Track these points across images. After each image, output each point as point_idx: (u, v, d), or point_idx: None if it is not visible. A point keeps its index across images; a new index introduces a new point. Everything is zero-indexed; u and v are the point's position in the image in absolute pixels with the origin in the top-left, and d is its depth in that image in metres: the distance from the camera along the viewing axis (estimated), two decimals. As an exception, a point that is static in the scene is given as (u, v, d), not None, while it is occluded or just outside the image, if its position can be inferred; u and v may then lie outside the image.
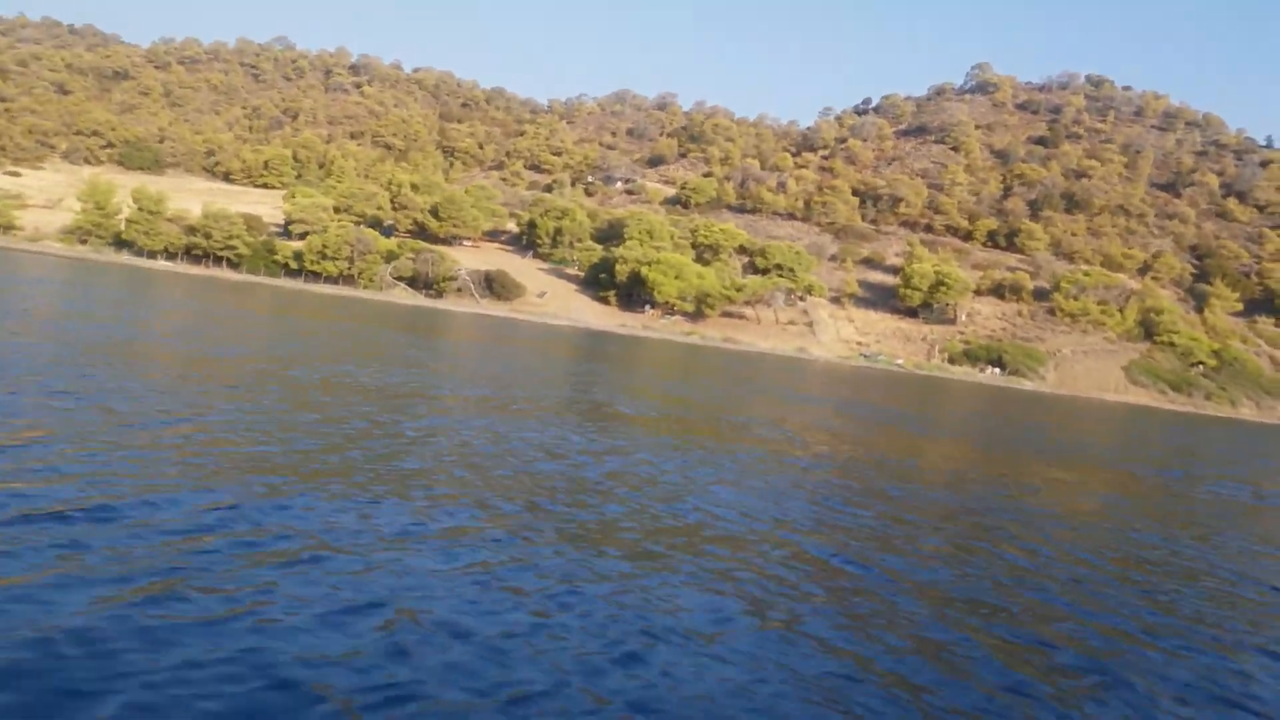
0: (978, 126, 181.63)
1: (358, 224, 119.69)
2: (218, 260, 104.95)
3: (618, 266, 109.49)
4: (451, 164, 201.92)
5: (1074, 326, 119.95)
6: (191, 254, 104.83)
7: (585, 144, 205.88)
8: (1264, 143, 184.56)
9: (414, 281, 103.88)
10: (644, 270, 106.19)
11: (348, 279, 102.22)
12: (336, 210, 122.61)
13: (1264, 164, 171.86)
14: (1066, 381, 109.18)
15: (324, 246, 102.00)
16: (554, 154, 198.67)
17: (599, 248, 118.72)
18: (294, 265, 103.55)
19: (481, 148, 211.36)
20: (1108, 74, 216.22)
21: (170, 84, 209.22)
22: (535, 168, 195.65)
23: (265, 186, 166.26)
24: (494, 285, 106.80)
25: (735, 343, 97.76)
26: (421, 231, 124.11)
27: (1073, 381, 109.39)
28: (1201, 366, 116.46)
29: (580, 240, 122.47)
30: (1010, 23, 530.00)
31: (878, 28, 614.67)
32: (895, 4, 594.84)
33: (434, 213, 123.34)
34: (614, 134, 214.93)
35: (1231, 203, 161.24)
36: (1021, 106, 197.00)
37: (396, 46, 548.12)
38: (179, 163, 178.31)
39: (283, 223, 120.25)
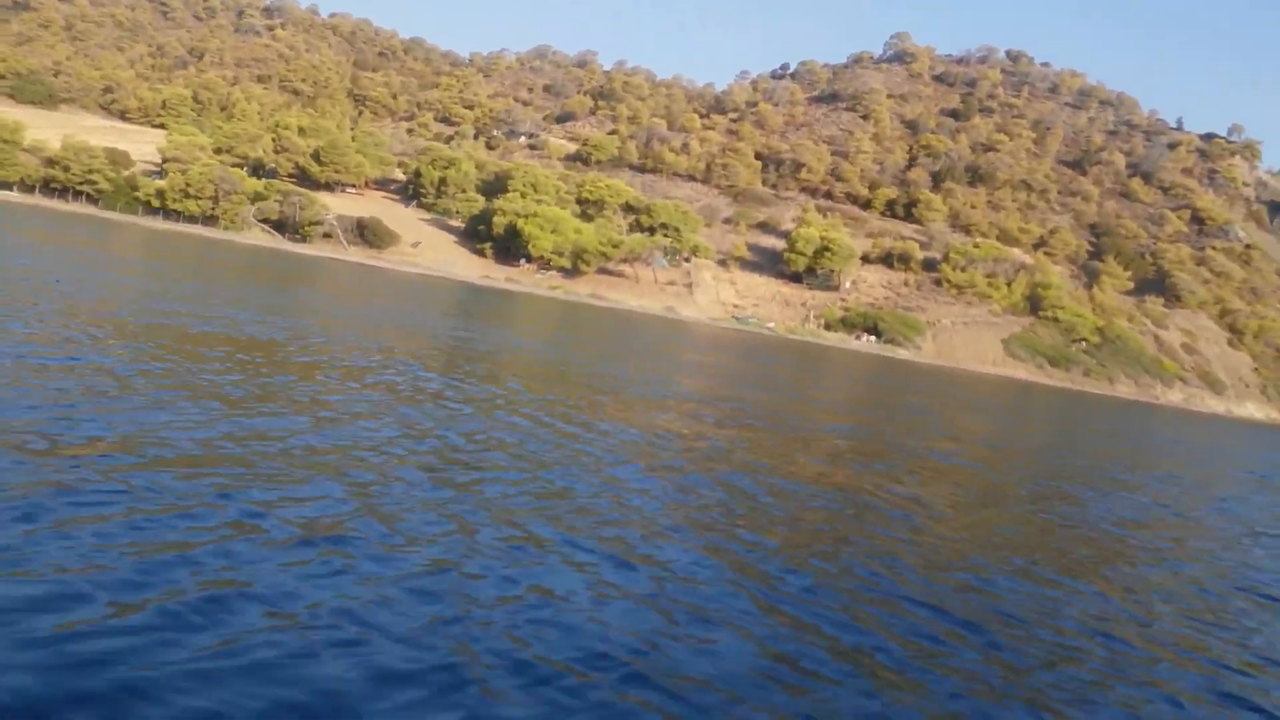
0: (890, 96, 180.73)
1: (239, 166, 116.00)
2: (77, 195, 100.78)
3: (495, 218, 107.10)
4: (360, 113, 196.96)
5: (959, 298, 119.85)
6: (50, 187, 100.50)
7: (500, 99, 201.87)
8: (1174, 124, 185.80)
9: (280, 225, 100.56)
10: (520, 223, 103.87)
11: (210, 219, 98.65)
12: (218, 151, 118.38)
13: (1171, 145, 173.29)
14: (944, 352, 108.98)
15: (187, 184, 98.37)
16: (466, 107, 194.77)
17: (481, 199, 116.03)
18: (156, 203, 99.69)
19: (395, 98, 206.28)
20: (1033, 51, 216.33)
21: (73, 17, 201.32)
22: (446, 120, 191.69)
23: (162, 127, 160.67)
24: (366, 232, 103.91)
25: (602, 299, 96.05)
26: (304, 176, 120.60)
27: (950, 352, 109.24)
28: (1084, 343, 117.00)
29: (464, 191, 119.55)
30: None
31: None
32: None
33: (316, 157, 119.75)
34: (530, 90, 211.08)
35: (1136, 183, 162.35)
36: (938, 78, 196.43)
37: None
38: (74, 98, 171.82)
39: (160, 161, 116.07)
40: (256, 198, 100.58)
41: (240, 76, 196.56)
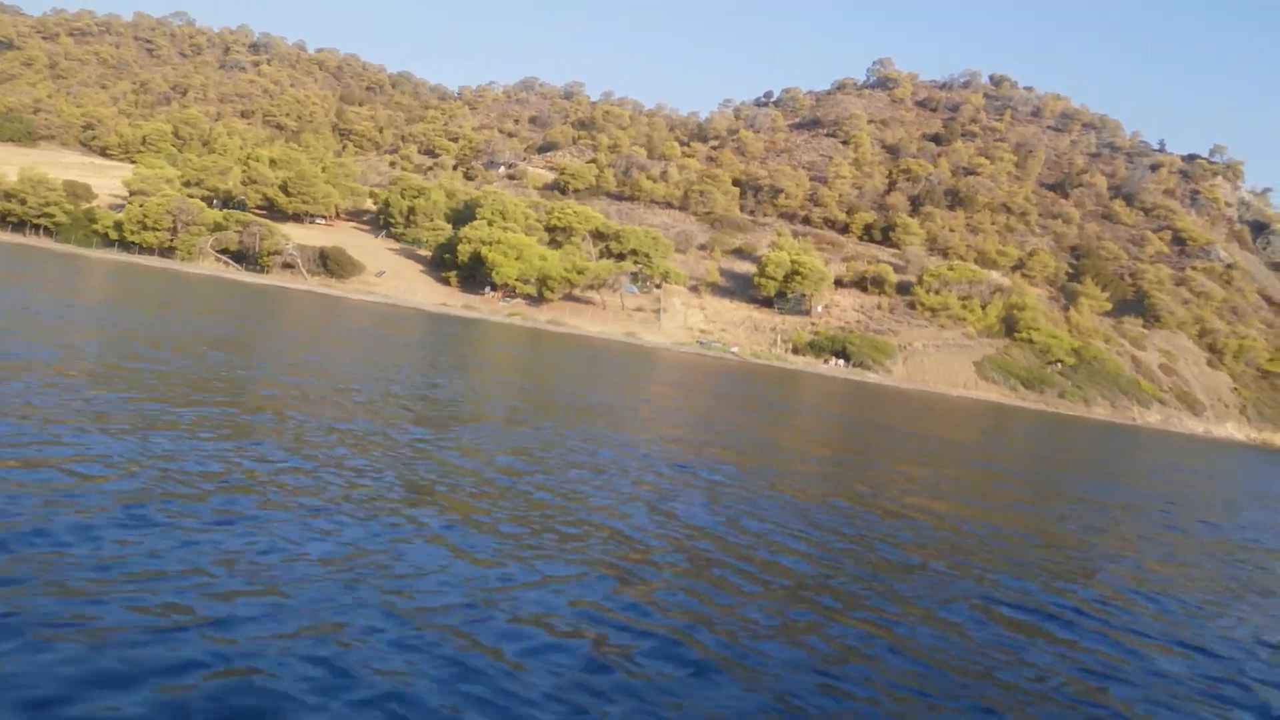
0: (871, 121, 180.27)
1: (209, 198, 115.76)
2: (35, 228, 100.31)
3: (460, 246, 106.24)
4: (345, 146, 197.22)
5: (933, 320, 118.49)
6: (7, 220, 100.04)
7: (485, 130, 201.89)
8: (1157, 146, 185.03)
9: (240, 256, 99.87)
10: (484, 250, 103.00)
11: (168, 251, 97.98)
12: (188, 184, 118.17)
13: (1154, 167, 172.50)
14: (914, 375, 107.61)
15: (144, 216, 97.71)
16: (450, 139, 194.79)
17: (449, 228, 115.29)
18: (114, 235, 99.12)
19: (381, 131, 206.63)
20: (1017, 76, 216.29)
21: (56, 55, 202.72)
22: (429, 152, 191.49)
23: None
24: (328, 262, 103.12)
25: (561, 325, 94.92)
26: (273, 208, 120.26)
27: (920, 375, 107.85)
28: (1060, 364, 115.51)
29: (433, 220, 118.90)
30: (920, 21, 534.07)
31: (791, 23, 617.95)
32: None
33: (284, 188, 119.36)
34: (516, 121, 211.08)
35: (1118, 204, 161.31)
36: (921, 104, 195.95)
37: (305, 28, 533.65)
38: (54, 135, 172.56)
39: (127, 194, 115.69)
40: (216, 228, 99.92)
41: (223, 112, 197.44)
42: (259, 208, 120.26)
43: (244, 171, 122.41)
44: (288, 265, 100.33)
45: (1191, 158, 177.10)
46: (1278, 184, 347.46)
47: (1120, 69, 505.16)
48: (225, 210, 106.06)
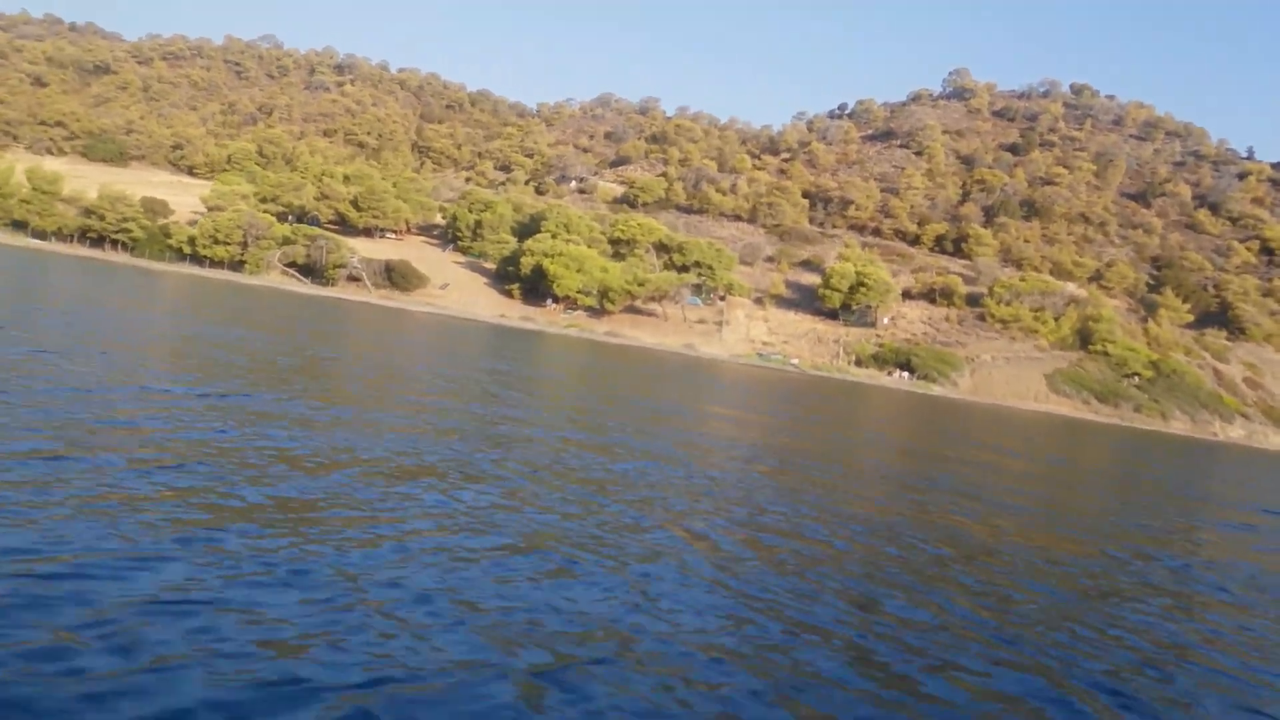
0: (945, 132, 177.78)
1: (284, 214, 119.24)
2: (114, 243, 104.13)
3: (523, 259, 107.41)
4: (423, 163, 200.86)
5: (1003, 333, 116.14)
6: (87, 236, 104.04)
7: (560, 146, 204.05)
8: (1245, 154, 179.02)
9: (307, 269, 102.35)
10: (546, 263, 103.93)
11: (239, 264, 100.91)
12: (264, 200, 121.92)
13: (1241, 176, 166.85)
14: (981, 388, 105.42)
15: (215, 230, 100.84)
16: (526, 155, 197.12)
17: (513, 241, 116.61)
18: (187, 249, 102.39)
19: (460, 148, 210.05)
20: (1099, 84, 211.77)
21: (150, 79, 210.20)
22: (505, 168, 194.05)
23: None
24: (393, 275, 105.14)
25: (617, 337, 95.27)
26: (344, 223, 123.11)
27: (988, 388, 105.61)
28: (1137, 377, 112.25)
29: (498, 233, 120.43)
30: (1000, 30, 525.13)
31: (868, 34, 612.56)
32: (882, 10, 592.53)
33: (355, 203, 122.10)
34: (591, 137, 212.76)
35: (1203, 214, 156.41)
36: (998, 114, 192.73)
37: (389, 49, 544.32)
38: (144, 155, 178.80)
39: (206, 210, 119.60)
40: (285, 242, 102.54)
41: (307, 131, 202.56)
42: (331, 222, 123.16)
43: (317, 187, 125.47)
44: (353, 278, 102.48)
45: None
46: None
47: (1207, 76, 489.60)
48: (295, 225, 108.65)
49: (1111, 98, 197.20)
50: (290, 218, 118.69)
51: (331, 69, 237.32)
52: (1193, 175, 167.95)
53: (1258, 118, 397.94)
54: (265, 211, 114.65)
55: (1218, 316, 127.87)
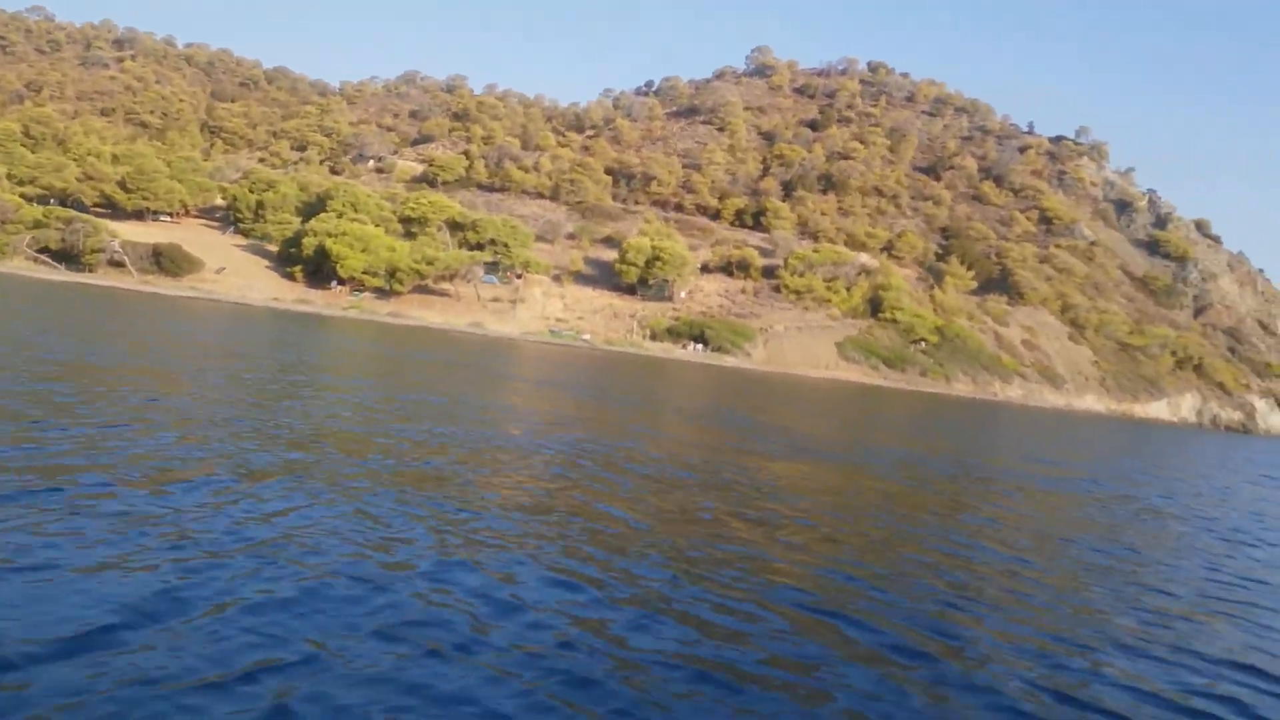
0: (748, 108, 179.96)
1: (44, 198, 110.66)
2: None
3: (305, 240, 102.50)
4: (213, 144, 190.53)
5: (797, 303, 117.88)
6: None
7: (362, 125, 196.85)
8: (1026, 129, 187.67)
9: (62, 255, 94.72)
10: (329, 243, 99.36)
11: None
12: (20, 183, 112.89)
13: (1022, 149, 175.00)
14: (774, 358, 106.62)
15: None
16: (324, 135, 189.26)
17: (297, 221, 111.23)
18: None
19: (254, 128, 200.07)
20: (896, 64, 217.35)
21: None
22: (301, 148, 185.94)
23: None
24: (162, 260, 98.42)
25: (401, 317, 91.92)
26: (113, 206, 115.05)
27: (780, 358, 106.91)
28: (923, 343, 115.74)
29: (280, 214, 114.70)
30: (801, 9, 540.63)
31: (676, 9, 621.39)
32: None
33: (122, 185, 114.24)
34: (395, 115, 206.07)
35: (987, 186, 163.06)
36: (799, 91, 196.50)
37: (176, 24, 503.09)
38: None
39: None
40: (36, 225, 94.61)
41: (81, 110, 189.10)
42: (99, 205, 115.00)
43: (81, 168, 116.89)
44: (116, 263, 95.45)
45: (1059, 139, 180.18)
46: (1141, 163, 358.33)
47: (992, 54, 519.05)
48: (47, 207, 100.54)
49: (905, 75, 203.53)
50: (53, 201, 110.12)
51: (110, 44, 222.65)
52: (979, 149, 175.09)
53: (1037, 94, 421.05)
54: (21, 194, 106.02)
55: (999, 283, 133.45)
